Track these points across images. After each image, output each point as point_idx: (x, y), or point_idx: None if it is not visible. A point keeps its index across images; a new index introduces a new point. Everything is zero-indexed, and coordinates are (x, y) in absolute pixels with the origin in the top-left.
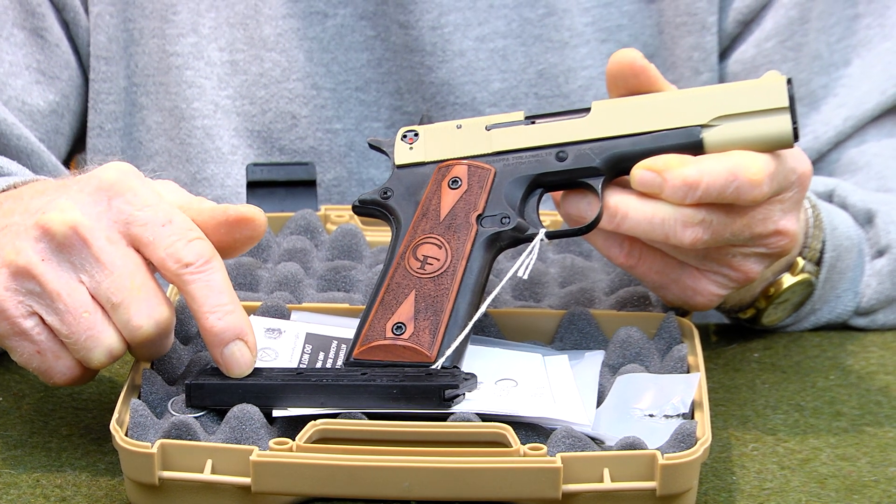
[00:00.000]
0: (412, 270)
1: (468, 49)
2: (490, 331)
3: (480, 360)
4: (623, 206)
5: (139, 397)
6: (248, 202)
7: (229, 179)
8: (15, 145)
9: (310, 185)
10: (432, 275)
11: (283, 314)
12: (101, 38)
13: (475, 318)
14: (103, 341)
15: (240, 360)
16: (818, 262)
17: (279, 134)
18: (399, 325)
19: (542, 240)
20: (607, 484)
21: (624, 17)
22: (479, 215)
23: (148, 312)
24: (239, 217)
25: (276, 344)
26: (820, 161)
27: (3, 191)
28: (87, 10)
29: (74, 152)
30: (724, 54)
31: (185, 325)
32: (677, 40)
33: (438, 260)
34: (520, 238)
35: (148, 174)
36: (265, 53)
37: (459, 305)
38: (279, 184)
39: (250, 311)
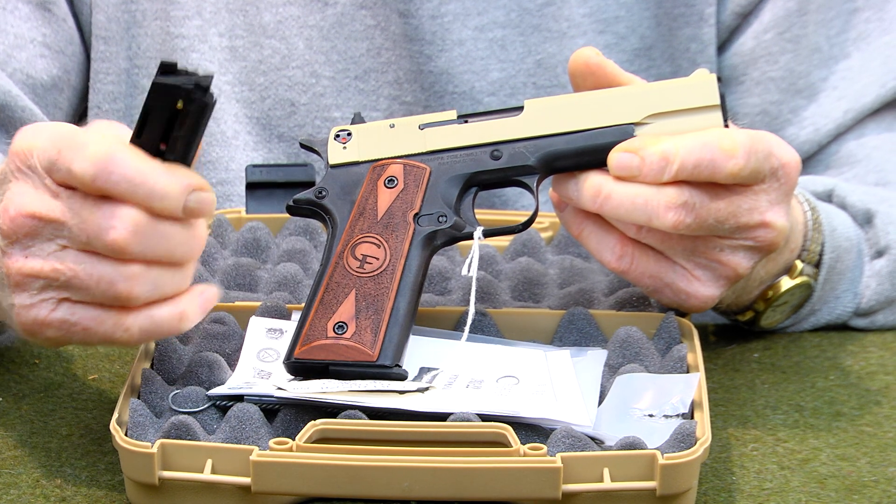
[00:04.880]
0: (351, 270)
1: (467, 38)
2: (489, 331)
3: (482, 357)
4: (606, 186)
5: (139, 397)
6: (247, 203)
7: (233, 163)
8: (20, 117)
9: (308, 185)
10: (372, 274)
11: (284, 314)
12: (101, 18)
13: (469, 320)
14: (109, 268)
15: (205, 204)
16: (817, 265)
17: (278, 121)
18: (341, 324)
19: (479, 238)
20: (607, 484)
21: (621, 8)
22: (416, 214)
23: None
24: None
25: (277, 344)
26: (819, 153)
27: None
28: None
29: None
30: (722, 47)
31: None
32: (675, 32)
33: (377, 259)
34: (457, 236)
35: None
36: (264, 40)
37: (399, 304)
38: (278, 185)
39: (250, 311)
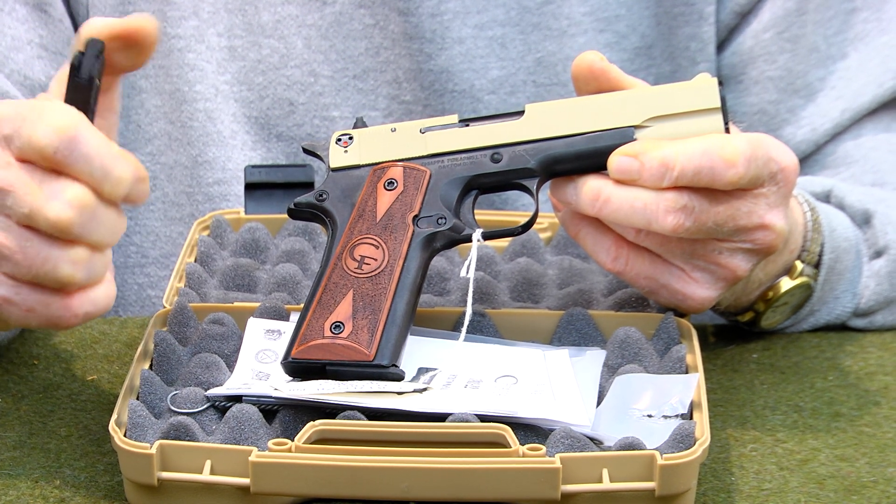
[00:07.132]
0: (349, 270)
1: (467, 37)
2: (488, 331)
3: (481, 356)
4: (605, 191)
5: (138, 398)
6: (245, 204)
7: (230, 163)
8: None
9: (307, 186)
10: (370, 274)
11: (282, 315)
12: None
13: (469, 322)
14: (56, 250)
15: (143, 196)
16: (816, 265)
17: (276, 120)
18: (337, 324)
19: (478, 240)
20: (606, 484)
21: (622, 6)
22: (416, 216)
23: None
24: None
25: (275, 345)
26: (816, 153)
27: None
28: None
29: None
30: (721, 46)
31: (184, 325)
32: (675, 30)
33: (376, 260)
34: (456, 238)
35: (146, 158)
36: (263, 40)
37: (397, 304)
38: (277, 186)
39: (248, 312)
